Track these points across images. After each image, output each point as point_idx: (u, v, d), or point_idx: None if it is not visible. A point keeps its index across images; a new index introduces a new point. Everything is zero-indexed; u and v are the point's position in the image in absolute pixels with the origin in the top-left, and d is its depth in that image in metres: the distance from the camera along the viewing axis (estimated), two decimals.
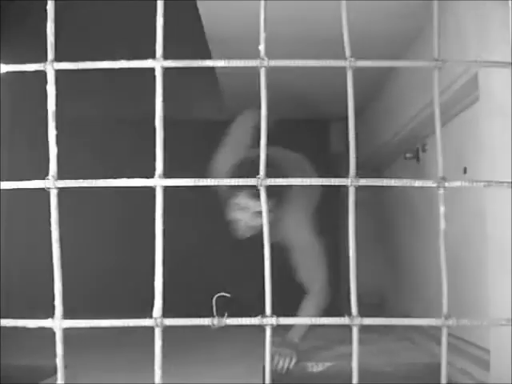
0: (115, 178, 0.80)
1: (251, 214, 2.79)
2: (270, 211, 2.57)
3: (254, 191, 2.68)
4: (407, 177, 3.59)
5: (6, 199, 4.09)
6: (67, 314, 0.79)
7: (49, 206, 0.79)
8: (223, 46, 3.22)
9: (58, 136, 0.80)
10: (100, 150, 5.00)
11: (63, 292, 0.80)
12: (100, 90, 4.74)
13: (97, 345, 2.91)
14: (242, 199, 2.77)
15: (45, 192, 0.80)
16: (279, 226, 2.91)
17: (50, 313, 0.80)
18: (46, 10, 0.82)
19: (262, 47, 0.81)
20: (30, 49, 3.61)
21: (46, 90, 0.81)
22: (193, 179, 0.77)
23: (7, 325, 0.78)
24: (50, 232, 0.81)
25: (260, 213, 2.73)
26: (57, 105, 0.80)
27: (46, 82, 0.81)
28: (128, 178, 0.78)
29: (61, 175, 0.79)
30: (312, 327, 2.80)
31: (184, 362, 2.66)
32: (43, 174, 0.79)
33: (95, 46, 3.64)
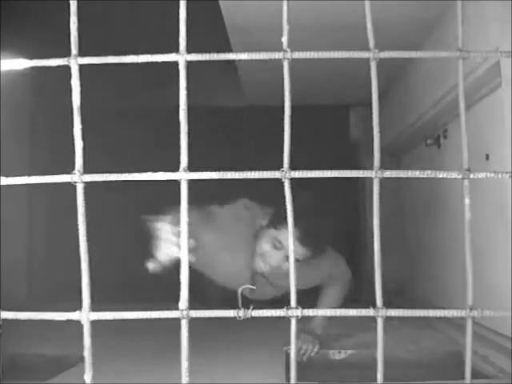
0: (139, 171, 0.81)
1: (282, 253, 2.52)
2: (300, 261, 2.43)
3: (303, 234, 2.40)
4: (428, 163, 3.57)
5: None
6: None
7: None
8: (242, 34, 3.21)
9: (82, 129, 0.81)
10: (122, 142, 5.02)
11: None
12: (121, 81, 4.76)
13: (119, 334, 2.93)
14: (282, 236, 2.50)
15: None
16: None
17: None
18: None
19: (284, 39, 0.80)
20: (31, 44, 3.64)
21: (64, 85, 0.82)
22: (217, 173, 0.77)
23: (35, 318, 0.79)
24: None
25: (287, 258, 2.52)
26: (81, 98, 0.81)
27: (68, 77, 0.82)
28: (153, 171, 0.79)
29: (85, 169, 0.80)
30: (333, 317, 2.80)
31: (206, 347, 2.68)
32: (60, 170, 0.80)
33: (116, 40, 3.65)
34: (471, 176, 0.76)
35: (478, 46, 2.33)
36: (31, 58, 0.84)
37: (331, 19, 3.04)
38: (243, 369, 2.42)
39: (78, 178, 0.77)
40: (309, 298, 3.23)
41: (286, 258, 2.50)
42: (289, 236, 0.82)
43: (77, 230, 0.78)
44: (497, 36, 2.20)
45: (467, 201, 0.76)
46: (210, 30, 3.50)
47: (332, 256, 2.81)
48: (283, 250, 2.51)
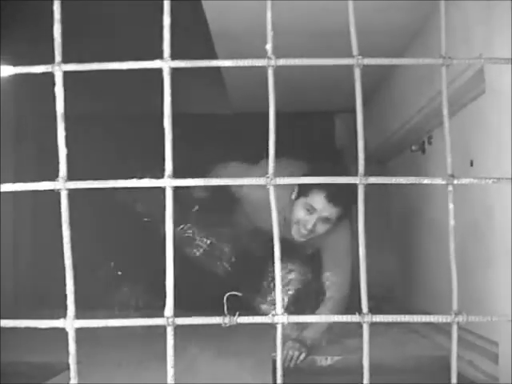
0: (123, 178, 0.80)
1: (317, 217, 2.82)
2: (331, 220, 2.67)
3: (330, 196, 2.76)
4: (413, 169, 3.58)
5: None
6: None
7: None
8: (227, 40, 3.21)
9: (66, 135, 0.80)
10: (105, 148, 4.99)
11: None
12: (104, 86, 4.74)
13: (104, 341, 2.91)
14: (314, 199, 2.80)
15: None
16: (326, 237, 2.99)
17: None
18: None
19: (269, 46, 0.81)
20: (32, 49, 3.62)
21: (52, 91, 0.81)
22: (203, 179, 0.77)
23: (20, 325, 0.79)
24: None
25: (326, 219, 2.83)
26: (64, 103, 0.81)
27: (53, 83, 0.81)
28: (138, 178, 0.78)
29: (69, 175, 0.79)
30: (328, 332, 2.84)
31: (193, 354, 2.67)
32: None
33: (100, 46, 3.64)
34: (455, 182, 0.77)
35: (462, 53, 2.35)
36: (23, 63, 0.84)
37: (318, 25, 3.04)
38: (230, 376, 2.41)
39: (61, 185, 0.77)
40: (310, 303, 3.26)
41: (320, 219, 2.82)
42: (275, 242, 0.82)
43: (61, 236, 0.77)
44: (480, 42, 2.21)
45: (451, 206, 0.77)
46: (194, 37, 3.50)
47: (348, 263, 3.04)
48: (316, 212, 2.81)
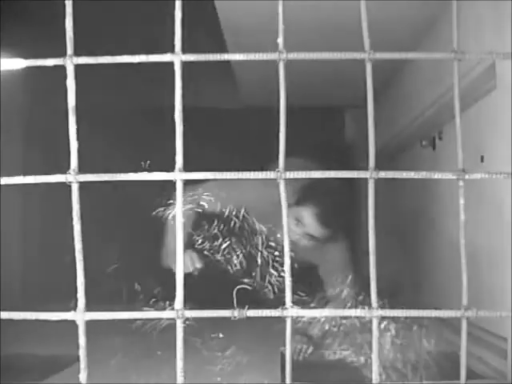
0: (135, 171, 0.81)
1: (302, 232, 2.74)
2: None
3: (321, 215, 2.67)
4: (423, 164, 3.57)
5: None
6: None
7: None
8: (238, 36, 3.21)
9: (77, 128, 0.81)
10: (117, 141, 5.01)
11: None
12: (116, 80, 4.75)
13: (111, 333, 2.92)
14: (304, 213, 2.71)
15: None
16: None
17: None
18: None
19: (280, 40, 0.80)
20: (32, 44, 3.63)
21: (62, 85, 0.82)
22: (213, 173, 0.77)
23: (30, 318, 0.79)
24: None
25: (312, 237, 2.76)
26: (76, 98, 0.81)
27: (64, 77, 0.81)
28: (148, 171, 0.79)
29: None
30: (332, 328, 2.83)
31: (201, 348, 2.67)
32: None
33: (111, 40, 3.65)
34: (466, 177, 0.76)
35: (473, 48, 2.34)
36: (28, 57, 0.84)
37: (329, 21, 3.04)
38: (239, 370, 2.41)
39: (72, 177, 0.77)
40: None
41: (305, 235, 2.74)
42: (284, 237, 0.82)
43: (71, 230, 0.78)
44: (492, 37, 2.20)
45: (462, 201, 0.76)
46: (205, 31, 3.50)
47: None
48: (302, 227, 2.72)
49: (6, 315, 0.79)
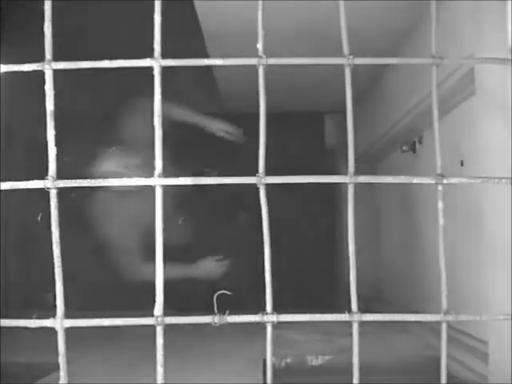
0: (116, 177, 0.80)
1: None
2: None
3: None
4: (403, 169, 3.59)
5: None
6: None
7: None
8: (219, 40, 3.21)
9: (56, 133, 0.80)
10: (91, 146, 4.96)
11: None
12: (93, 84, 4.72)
13: (94, 340, 2.90)
14: None
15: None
16: None
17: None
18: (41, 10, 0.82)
19: (260, 45, 0.81)
20: (31, 48, 3.60)
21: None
22: (192, 178, 0.77)
23: (9, 325, 0.78)
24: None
25: None
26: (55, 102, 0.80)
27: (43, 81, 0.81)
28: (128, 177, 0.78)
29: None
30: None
31: (182, 356, 2.66)
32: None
33: (92, 45, 3.64)
34: (444, 181, 0.77)
35: (453, 54, 2.35)
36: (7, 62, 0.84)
37: (309, 27, 3.05)
38: (221, 377, 2.41)
39: (51, 183, 0.76)
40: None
41: None
42: (265, 241, 0.82)
43: (50, 236, 0.77)
44: (471, 43, 2.22)
45: (441, 205, 0.77)
46: (186, 37, 3.50)
47: None
48: None
49: None
